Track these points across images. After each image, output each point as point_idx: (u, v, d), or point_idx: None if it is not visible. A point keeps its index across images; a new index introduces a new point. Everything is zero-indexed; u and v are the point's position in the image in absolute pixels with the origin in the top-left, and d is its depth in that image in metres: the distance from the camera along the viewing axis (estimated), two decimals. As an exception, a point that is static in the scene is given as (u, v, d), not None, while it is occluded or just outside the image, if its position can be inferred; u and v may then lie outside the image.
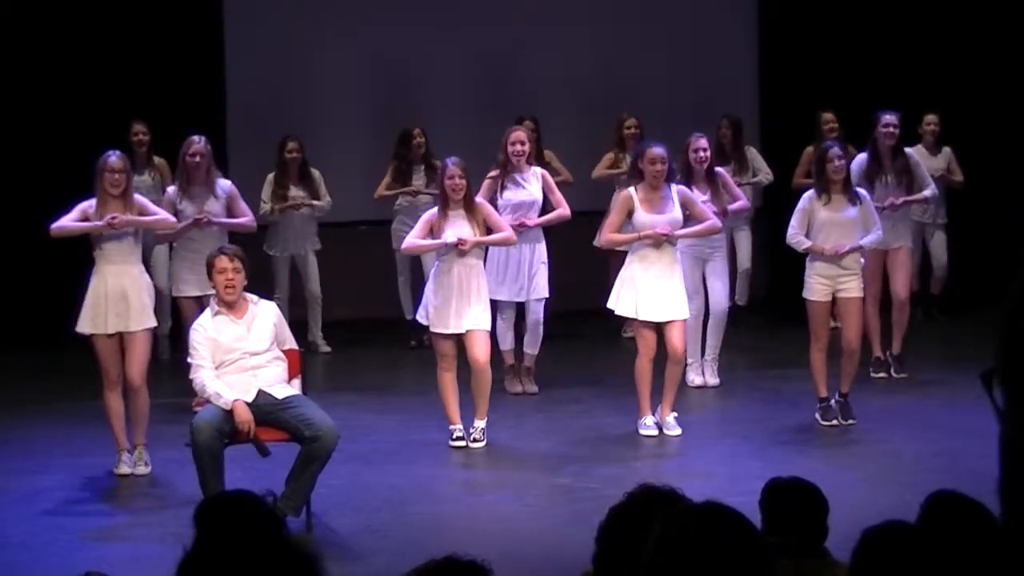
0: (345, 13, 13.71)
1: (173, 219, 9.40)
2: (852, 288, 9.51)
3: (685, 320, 9.46)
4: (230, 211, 10.23)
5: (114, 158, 8.78)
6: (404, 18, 13.65)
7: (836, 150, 9.61)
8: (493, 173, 10.33)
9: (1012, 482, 1.92)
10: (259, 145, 12.52)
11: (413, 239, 9.38)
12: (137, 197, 8.96)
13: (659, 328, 9.35)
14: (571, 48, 13.82)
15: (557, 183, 11.20)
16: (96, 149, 9.01)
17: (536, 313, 10.53)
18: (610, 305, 9.54)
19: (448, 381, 9.26)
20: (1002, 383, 1.95)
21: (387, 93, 13.57)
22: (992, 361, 2.12)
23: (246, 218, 10.23)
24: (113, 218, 8.60)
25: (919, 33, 13.70)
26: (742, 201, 10.69)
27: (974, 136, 13.02)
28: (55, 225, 8.74)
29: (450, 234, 9.17)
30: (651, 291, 9.27)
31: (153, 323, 8.80)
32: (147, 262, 9.76)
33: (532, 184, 10.37)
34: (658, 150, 9.34)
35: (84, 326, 8.67)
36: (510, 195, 10.30)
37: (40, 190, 11.72)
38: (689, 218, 9.50)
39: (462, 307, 9.16)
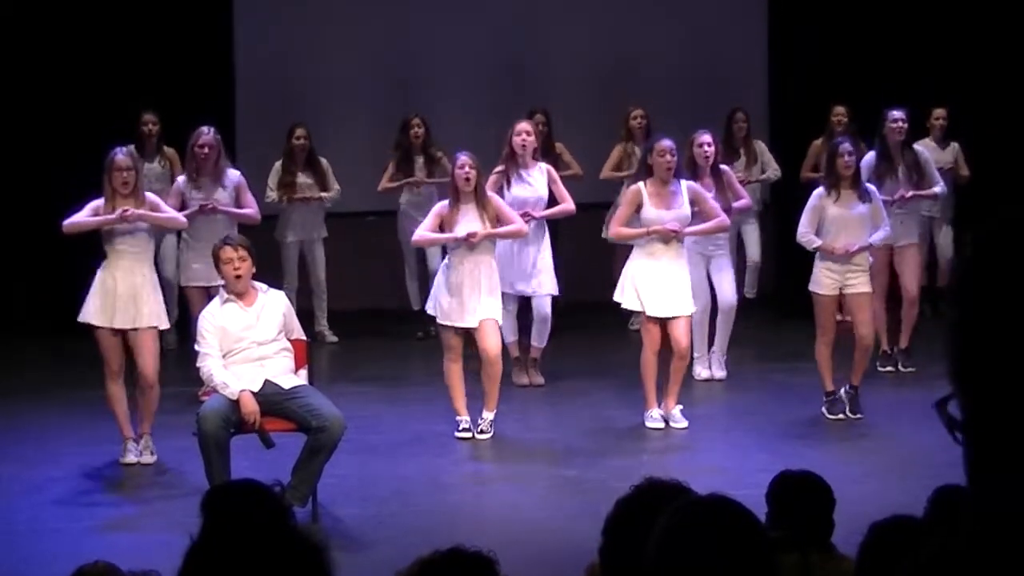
0: (354, 3, 13.71)
1: (184, 220, 9.38)
2: (860, 284, 9.52)
3: (690, 316, 9.47)
4: (237, 202, 10.28)
5: (121, 156, 8.74)
6: (416, 6, 13.65)
7: (847, 146, 9.60)
8: (499, 168, 10.32)
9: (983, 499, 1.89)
10: (268, 134, 12.52)
11: (424, 232, 9.37)
12: (149, 196, 8.93)
13: (664, 322, 9.35)
14: (581, 41, 13.80)
15: (568, 177, 11.21)
16: (106, 139, 9.02)
17: (544, 309, 10.52)
18: (616, 298, 9.55)
19: (454, 372, 9.26)
20: (959, 393, 1.91)
21: (397, 85, 13.55)
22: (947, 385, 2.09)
23: (251, 209, 10.28)
24: (125, 210, 8.59)
25: (929, 26, 13.66)
26: (745, 200, 10.67)
27: (983, 130, 12.99)
28: (67, 221, 8.72)
29: (461, 227, 9.17)
30: (656, 286, 9.27)
31: (161, 324, 8.78)
32: (156, 251, 9.75)
33: (537, 180, 10.36)
34: (667, 143, 9.38)
35: (88, 316, 8.65)
36: (517, 191, 10.26)
37: (51, 180, 11.73)
38: (698, 214, 9.51)
39: (473, 301, 9.14)
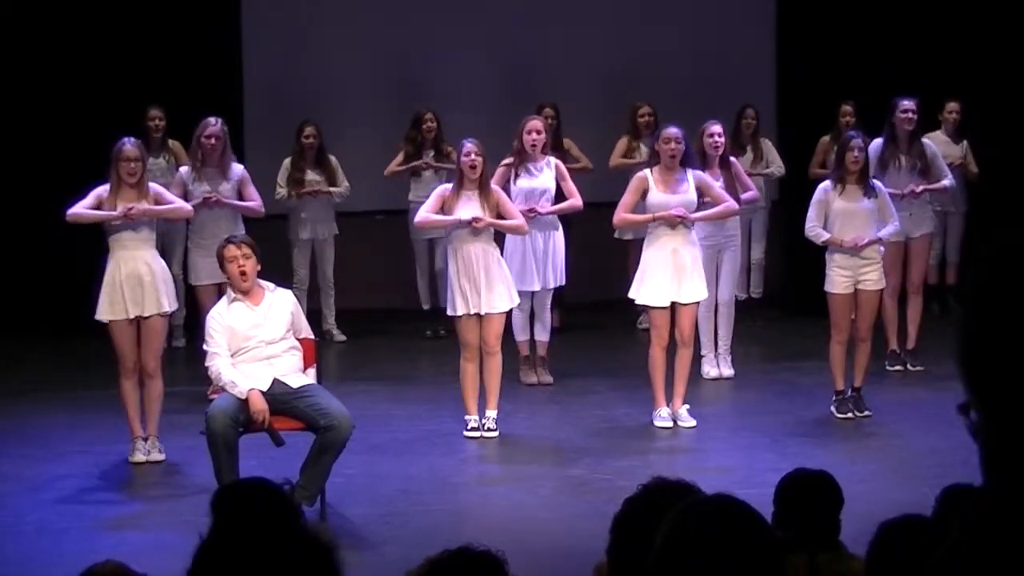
0: (362, 1, 13.70)
1: (188, 207, 9.38)
2: (873, 279, 9.49)
3: (697, 303, 9.44)
4: (240, 195, 10.26)
5: (129, 146, 8.78)
6: (423, 4, 13.65)
7: (858, 141, 9.57)
8: (508, 160, 10.33)
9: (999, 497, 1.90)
10: (276, 131, 12.52)
11: (426, 214, 9.34)
12: (152, 185, 8.97)
13: (672, 316, 9.33)
14: (589, 38, 13.79)
15: (576, 171, 11.21)
16: (113, 134, 9.02)
17: (544, 299, 10.52)
18: (631, 295, 9.52)
19: (470, 372, 9.23)
20: (972, 396, 1.93)
21: (406, 81, 13.55)
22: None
23: (254, 202, 10.24)
24: (129, 209, 8.61)
25: (939, 24, 13.63)
26: (753, 192, 10.66)
27: (994, 128, 12.94)
28: (71, 211, 8.75)
29: (463, 212, 9.17)
30: (667, 274, 9.24)
31: (168, 308, 8.79)
32: (161, 250, 9.76)
33: (545, 173, 10.37)
34: (673, 130, 9.37)
35: (103, 313, 8.67)
36: (523, 183, 10.29)
37: (57, 176, 11.72)
38: (706, 203, 9.49)
39: (483, 286, 9.12)
